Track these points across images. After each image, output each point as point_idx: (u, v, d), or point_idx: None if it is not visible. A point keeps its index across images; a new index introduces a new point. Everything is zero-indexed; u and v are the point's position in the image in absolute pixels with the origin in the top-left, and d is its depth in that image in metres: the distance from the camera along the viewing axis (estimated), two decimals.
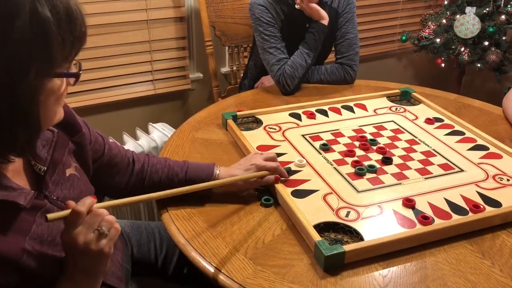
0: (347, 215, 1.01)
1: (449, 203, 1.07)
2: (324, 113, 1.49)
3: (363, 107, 1.54)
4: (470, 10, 2.41)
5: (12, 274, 0.71)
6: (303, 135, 1.35)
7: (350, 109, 1.52)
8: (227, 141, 1.33)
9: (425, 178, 1.16)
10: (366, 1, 2.69)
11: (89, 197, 0.74)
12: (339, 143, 1.31)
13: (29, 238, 0.73)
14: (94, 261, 0.74)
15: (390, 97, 1.61)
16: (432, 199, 1.08)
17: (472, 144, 1.32)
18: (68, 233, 0.71)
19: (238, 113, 1.41)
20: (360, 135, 1.35)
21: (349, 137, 1.34)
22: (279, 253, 0.92)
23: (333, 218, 1.00)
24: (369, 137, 1.34)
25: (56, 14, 0.65)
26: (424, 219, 0.99)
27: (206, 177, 1.05)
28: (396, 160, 1.23)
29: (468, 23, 2.41)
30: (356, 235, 0.96)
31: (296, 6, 1.65)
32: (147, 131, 1.88)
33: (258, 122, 1.42)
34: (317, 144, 1.30)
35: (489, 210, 1.04)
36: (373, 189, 1.11)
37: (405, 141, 1.33)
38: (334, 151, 1.27)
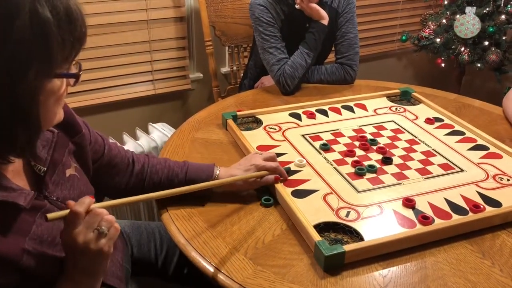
0: (347, 215, 1.01)
1: (449, 203, 1.07)
2: (324, 113, 1.49)
3: (363, 107, 1.54)
4: (470, 10, 2.41)
5: (12, 274, 0.71)
6: (303, 135, 1.35)
7: (350, 109, 1.52)
8: (227, 141, 1.33)
9: (425, 178, 1.16)
10: (366, 1, 2.69)
11: (88, 197, 0.74)
12: (339, 143, 1.31)
13: (29, 239, 0.73)
14: (94, 261, 0.74)
15: (390, 97, 1.61)
16: (432, 199, 1.08)
17: (472, 144, 1.32)
18: (68, 232, 0.71)
19: (238, 113, 1.41)
20: (360, 135, 1.35)
21: (349, 137, 1.34)
22: (279, 253, 0.92)
23: (333, 218, 1.00)
24: (369, 137, 1.34)
25: (56, 14, 0.65)
26: (424, 219, 0.99)
27: (206, 177, 1.05)
28: (396, 160, 1.23)
29: (468, 23, 2.41)
30: (356, 235, 0.96)
31: (296, 6, 1.65)
32: (147, 131, 1.88)
33: (258, 122, 1.42)
34: (317, 144, 1.30)
35: (489, 210, 1.04)
36: (373, 189, 1.11)
37: (405, 141, 1.33)
38: (334, 151, 1.27)
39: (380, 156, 1.25)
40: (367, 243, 0.91)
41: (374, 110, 1.52)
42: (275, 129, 1.38)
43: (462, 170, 1.20)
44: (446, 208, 1.05)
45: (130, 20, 2.07)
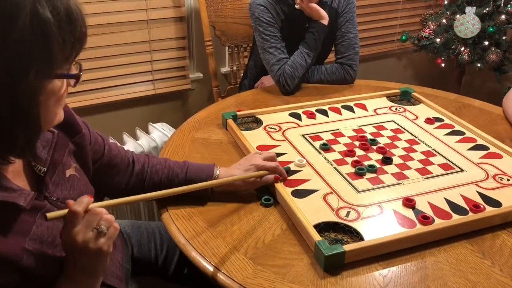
0: (347, 215, 1.01)
1: (449, 203, 1.07)
2: (324, 113, 1.49)
3: (363, 107, 1.54)
4: (470, 10, 2.41)
5: (12, 275, 0.71)
6: (303, 135, 1.35)
7: (350, 109, 1.52)
8: (227, 141, 1.33)
9: (425, 178, 1.16)
10: (366, 1, 2.69)
11: (86, 196, 0.74)
12: (339, 143, 1.31)
13: (29, 239, 0.73)
14: (93, 260, 0.74)
15: (390, 97, 1.61)
16: (432, 199, 1.08)
17: (472, 144, 1.32)
18: (67, 232, 0.71)
19: (238, 113, 1.41)
20: (360, 135, 1.35)
21: (349, 137, 1.34)
22: (279, 253, 0.92)
23: (333, 218, 1.00)
24: (369, 137, 1.34)
25: (56, 15, 0.65)
26: (424, 219, 0.99)
27: (206, 177, 1.05)
28: (396, 160, 1.23)
29: (468, 23, 2.41)
30: (356, 235, 0.96)
31: (296, 6, 1.65)
32: (147, 131, 1.88)
33: (258, 122, 1.42)
34: (317, 144, 1.30)
35: (489, 210, 1.04)
36: (373, 189, 1.11)
37: (405, 141, 1.33)
38: (334, 151, 1.27)
39: (380, 156, 1.25)
40: (367, 243, 0.91)
41: (374, 110, 1.52)
42: (275, 129, 1.38)
43: (462, 170, 1.20)
44: (446, 208, 1.05)
45: (130, 20, 2.07)
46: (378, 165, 1.20)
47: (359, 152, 1.27)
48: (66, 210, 0.71)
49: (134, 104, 2.25)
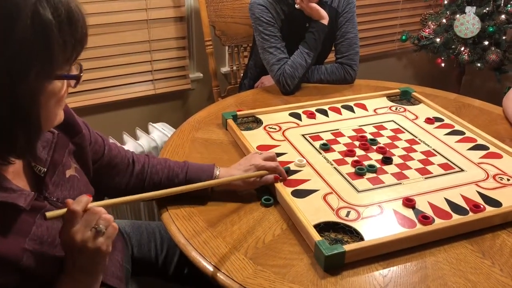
0: (347, 215, 1.01)
1: (449, 203, 1.07)
2: (324, 112, 1.49)
3: (363, 107, 1.54)
4: (470, 10, 2.41)
5: (12, 275, 0.71)
6: (303, 135, 1.35)
7: (350, 108, 1.52)
8: (227, 141, 1.33)
9: (425, 178, 1.16)
10: (366, 0, 2.69)
11: (85, 196, 0.74)
12: (339, 143, 1.31)
13: (29, 240, 0.73)
14: (92, 259, 0.74)
15: (390, 97, 1.61)
16: (432, 199, 1.08)
17: (472, 144, 1.32)
18: (66, 231, 0.71)
19: (238, 113, 1.41)
20: (360, 134, 1.35)
21: (349, 137, 1.34)
22: (279, 253, 0.92)
23: (333, 218, 1.00)
24: (369, 136, 1.34)
25: (57, 16, 0.65)
26: (424, 219, 0.99)
27: (206, 178, 1.05)
28: (396, 160, 1.23)
29: (468, 23, 2.41)
30: (356, 235, 0.96)
31: (296, 6, 1.65)
32: (147, 131, 1.88)
33: (258, 122, 1.42)
34: (317, 144, 1.30)
35: (489, 210, 1.04)
36: (373, 189, 1.11)
37: (405, 140, 1.33)
38: (334, 151, 1.27)
39: (380, 156, 1.25)
40: (367, 243, 0.91)
41: (374, 110, 1.52)
42: (275, 129, 1.38)
43: (462, 170, 1.20)
44: (446, 208, 1.05)
45: (130, 20, 2.07)
46: (378, 165, 1.20)
47: (359, 152, 1.27)
48: (65, 209, 0.71)
49: (134, 104, 2.25)
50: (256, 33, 1.70)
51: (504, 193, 1.10)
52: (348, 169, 1.19)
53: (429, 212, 1.03)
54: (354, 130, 1.38)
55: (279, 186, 1.07)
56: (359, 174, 1.16)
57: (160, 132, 1.84)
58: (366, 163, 1.21)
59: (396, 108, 1.54)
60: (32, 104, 0.66)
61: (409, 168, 1.20)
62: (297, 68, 1.63)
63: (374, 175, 1.17)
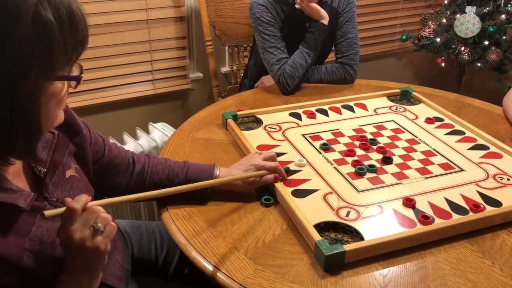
0: (347, 215, 1.01)
1: (449, 202, 1.07)
2: (324, 112, 1.49)
3: (363, 107, 1.54)
4: (470, 10, 2.41)
5: (12, 275, 0.71)
6: (303, 135, 1.35)
7: (350, 108, 1.52)
8: (227, 141, 1.33)
9: (425, 178, 1.16)
10: (366, 0, 2.69)
11: (84, 195, 0.74)
12: (339, 142, 1.31)
13: (29, 240, 0.73)
14: (91, 258, 0.74)
15: (390, 97, 1.61)
16: (432, 198, 1.08)
17: (472, 144, 1.32)
18: (64, 229, 0.71)
19: (238, 113, 1.41)
20: (360, 134, 1.35)
21: (349, 137, 1.34)
22: (279, 253, 0.92)
23: (333, 218, 1.00)
24: (369, 136, 1.34)
25: (59, 17, 0.65)
26: (425, 219, 0.99)
27: (206, 178, 1.04)
28: (396, 159, 1.23)
29: (468, 23, 2.41)
30: (356, 235, 0.96)
31: (296, 6, 1.65)
32: (147, 131, 1.88)
33: (258, 122, 1.42)
34: (317, 143, 1.30)
35: (490, 210, 1.04)
36: (373, 188, 1.11)
37: (405, 140, 1.33)
38: (334, 150, 1.27)
39: (380, 156, 1.25)
40: (367, 243, 0.91)
41: (374, 110, 1.52)
42: (275, 128, 1.38)
43: (462, 170, 1.20)
44: (446, 207, 1.05)
45: (130, 20, 2.07)
46: (378, 165, 1.20)
47: (359, 151, 1.27)
48: (63, 208, 0.71)
49: (134, 104, 2.25)
50: (256, 33, 1.70)
51: (504, 193, 1.10)
52: (348, 169, 1.19)
53: (429, 212, 1.03)
54: (354, 130, 1.38)
55: (279, 186, 1.07)
56: (359, 174, 1.16)
57: (160, 132, 1.84)
58: (366, 163, 1.21)
59: (396, 108, 1.54)
60: (32, 105, 0.66)
61: (409, 168, 1.20)
62: (297, 68, 1.63)
63: (374, 175, 1.17)
